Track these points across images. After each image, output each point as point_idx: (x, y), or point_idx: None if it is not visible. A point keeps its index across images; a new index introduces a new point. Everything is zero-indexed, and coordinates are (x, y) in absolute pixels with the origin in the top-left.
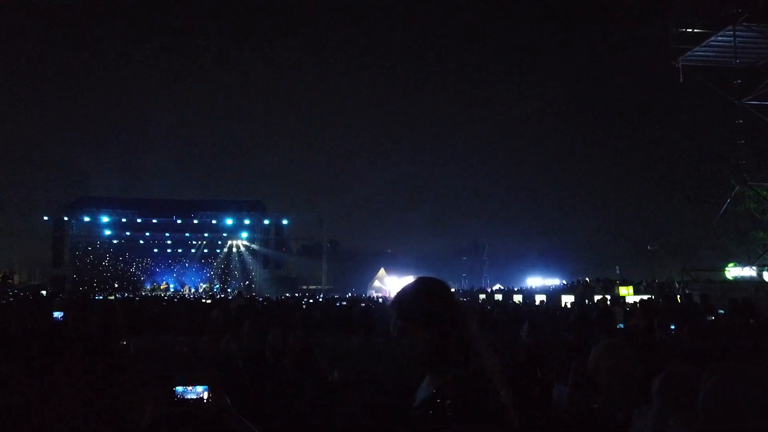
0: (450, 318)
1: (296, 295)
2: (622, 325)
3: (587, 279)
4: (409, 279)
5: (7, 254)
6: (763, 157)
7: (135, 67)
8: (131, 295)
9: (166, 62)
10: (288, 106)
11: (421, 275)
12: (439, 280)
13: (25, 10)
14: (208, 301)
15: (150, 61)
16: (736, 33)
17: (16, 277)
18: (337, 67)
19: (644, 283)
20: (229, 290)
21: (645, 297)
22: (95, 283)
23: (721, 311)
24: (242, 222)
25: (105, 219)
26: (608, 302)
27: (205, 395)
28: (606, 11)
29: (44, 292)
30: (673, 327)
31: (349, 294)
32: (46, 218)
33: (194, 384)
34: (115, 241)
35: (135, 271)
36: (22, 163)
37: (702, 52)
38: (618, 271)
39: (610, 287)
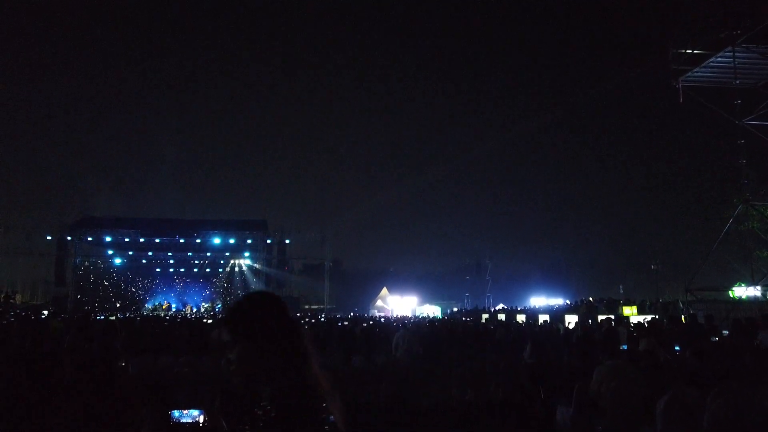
0: (280, 332)
1: (298, 315)
2: (626, 346)
3: (590, 298)
4: (411, 299)
5: (10, 274)
6: (766, 177)
7: (138, 89)
8: (133, 315)
9: (170, 84)
10: (291, 126)
11: (256, 291)
12: (270, 294)
13: (29, 37)
14: (210, 321)
15: (153, 82)
16: (736, 54)
17: (18, 297)
18: (340, 87)
19: (648, 303)
20: None
21: (649, 317)
22: (97, 302)
23: (725, 332)
24: (244, 241)
25: (108, 238)
26: (612, 322)
27: (201, 419)
28: (608, 32)
29: (46, 312)
30: (677, 348)
31: (352, 314)
32: (49, 238)
33: (190, 407)
34: (117, 261)
35: (137, 291)
36: (26, 184)
37: (702, 72)
38: (622, 291)
39: (613, 307)
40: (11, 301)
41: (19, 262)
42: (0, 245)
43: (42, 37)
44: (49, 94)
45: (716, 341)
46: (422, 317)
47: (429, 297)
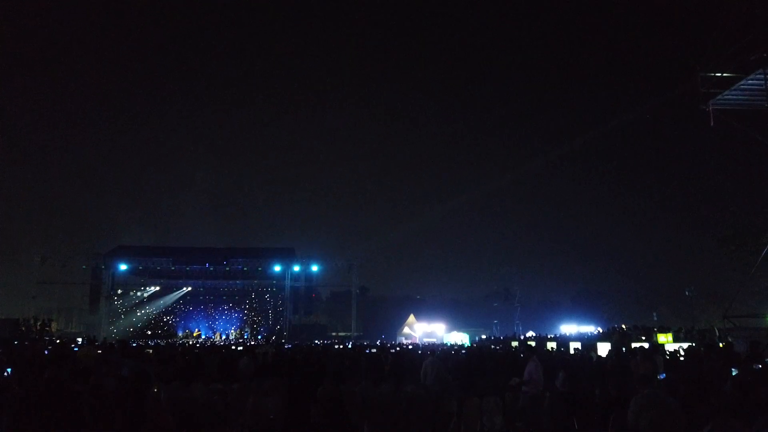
0: None
1: (325, 342)
2: (663, 375)
3: (623, 326)
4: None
5: (47, 302)
6: None
7: (169, 121)
8: (164, 342)
9: (201, 119)
10: (319, 155)
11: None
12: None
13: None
14: (239, 348)
15: (184, 114)
16: (767, 76)
17: (53, 325)
18: (368, 118)
19: (683, 330)
20: (259, 337)
21: (685, 345)
22: (130, 330)
23: None
24: (273, 269)
25: (140, 267)
26: (647, 350)
27: None
28: (633, 59)
29: (79, 340)
30: (717, 377)
31: (379, 341)
32: (84, 267)
33: None
34: (149, 288)
35: (168, 319)
36: (61, 215)
37: (732, 95)
38: (656, 318)
39: (648, 334)
40: (47, 329)
41: (55, 291)
42: (36, 275)
43: (76, 75)
44: (84, 130)
45: (758, 369)
46: (450, 345)
47: (457, 324)
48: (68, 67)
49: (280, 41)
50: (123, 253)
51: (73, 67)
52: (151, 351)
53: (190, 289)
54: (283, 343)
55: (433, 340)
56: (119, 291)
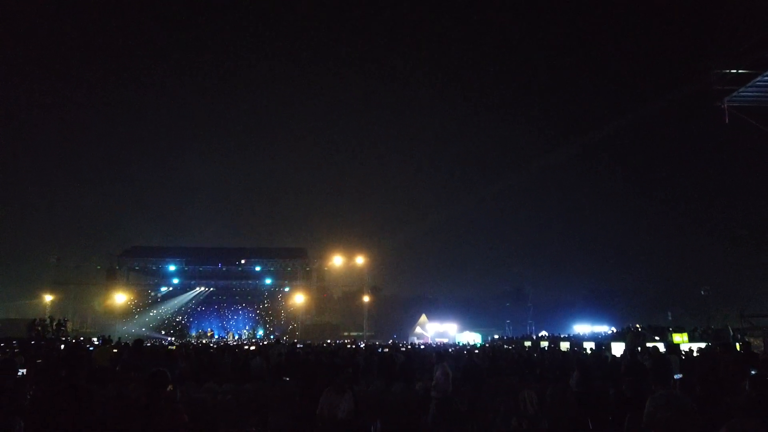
0: None
1: (337, 341)
2: (679, 375)
3: (638, 326)
4: (450, 325)
5: (63, 303)
6: None
7: (182, 121)
8: (177, 342)
9: (212, 119)
10: (330, 155)
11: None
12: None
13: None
14: (252, 348)
15: (197, 115)
16: None
17: (69, 325)
18: (383, 116)
19: (699, 330)
20: (271, 337)
21: (701, 345)
22: (144, 330)
23: None
24: (285, 269)
25: (153, 267)
26: (661, 350)
27: None
28: (644, 57)
29: (95, 339)
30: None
31: (391, 341)
32: (98, 267)
33: None
34: (163, 289)
35: (182, 318)
36: (77, 217)
37: (748, 92)
38: (670, 317)
39: (663, 334)
40: (62, 328)
41: (69, 291)
42: (53, 276)
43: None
44: (98, 132)
45: None
46: (463, 344)
47: (469, 324)
48: (82, 70)
49: (295, 42)
50: (136, 254)
51: (88, 69)
52: (166, 350)
53: (203, 289)
54: (296, 343)
55: (445, 340)
56: (133, 291)
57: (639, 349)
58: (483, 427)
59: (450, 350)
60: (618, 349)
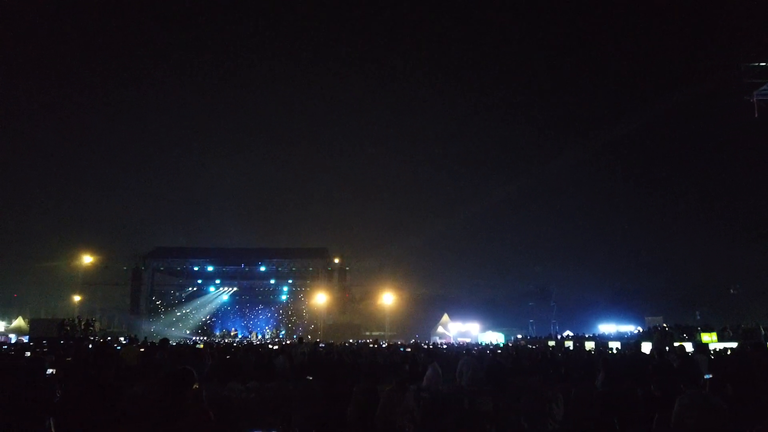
0: None
1: (359, 341)
2: (708, 376)
3: (664, 325)
4: (473, 325)
5: (91, 303)
6: None
7: (204, 123)
8: (202, 341)
9: (235, 123)
10: (350, 156)
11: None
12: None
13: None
14: (275, 347)
15: (218, 116)
16: None
17: (97, 324)
18: (402, 115)
19: (728, 329)
20: (294, 336)
21: (731, 344)
22: (169, 329)
23: None
24: (307, 269)
25: (178, 268)
26: (688, 349)
27: None
28: (669, 51)
29: (122, 338)
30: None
31: (413, 340)
32: (125, 268)
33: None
34: (188, 289)
35: (206, 319)
36: (104, 219)
37: None
38: (699, 316)
39: (691, 334)
40: (91, 328)
41: (97, 292)
42: (81, 276)
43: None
44: (122, 135)
45: None
46: (485, 344)
47: (491, 323)
48: (82, 70)
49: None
50: (161, 255)
51: (88, 69)
52: (194, 348)
53: (227, 289)
54: (318, 343)
55: (467, 339)
56: (158, 291)
57: (667, 348)
58: (507, 428)
59: (474, 350)
60: (645, 348)
